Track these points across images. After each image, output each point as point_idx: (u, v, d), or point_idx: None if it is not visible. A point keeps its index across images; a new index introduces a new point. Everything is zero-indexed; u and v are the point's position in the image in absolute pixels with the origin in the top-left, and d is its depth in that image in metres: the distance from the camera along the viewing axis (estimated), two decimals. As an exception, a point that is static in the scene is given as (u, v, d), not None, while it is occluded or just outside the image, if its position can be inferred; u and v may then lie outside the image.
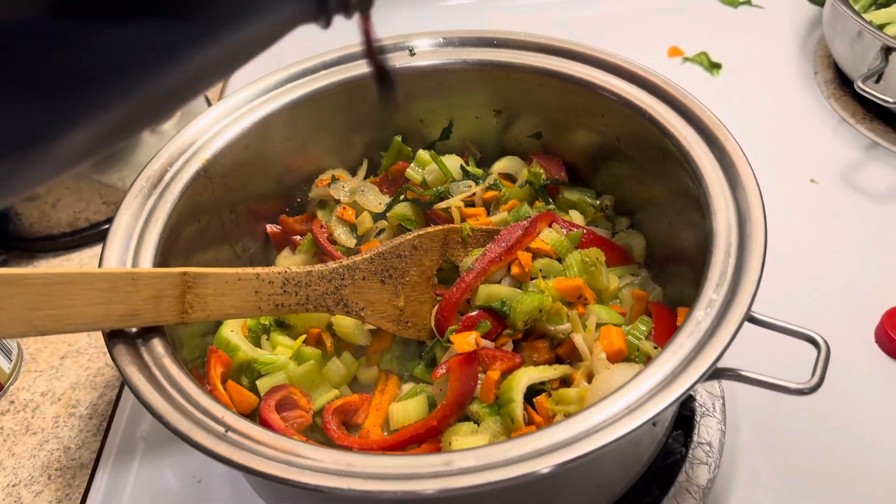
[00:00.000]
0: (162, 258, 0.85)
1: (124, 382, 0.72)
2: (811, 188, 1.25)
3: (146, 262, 0.83)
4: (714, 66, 1.51)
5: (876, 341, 1.03)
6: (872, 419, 0.96)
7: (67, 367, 1.13)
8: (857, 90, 1.18)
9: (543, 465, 0.61)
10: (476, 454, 0.63)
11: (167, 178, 0.91)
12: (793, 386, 0.70)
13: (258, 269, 0.80)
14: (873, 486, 0.91)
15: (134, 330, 0.75)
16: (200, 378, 0.90)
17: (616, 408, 0.64)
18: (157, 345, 0.75)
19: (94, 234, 1.30)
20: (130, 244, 0.84)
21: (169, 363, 0.74)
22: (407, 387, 0.94)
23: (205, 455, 0.65)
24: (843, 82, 1.43)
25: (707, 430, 0.93)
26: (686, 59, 1.54)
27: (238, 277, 0.79)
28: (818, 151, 1.32)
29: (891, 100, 1.15)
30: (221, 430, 0.67)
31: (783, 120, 1.39)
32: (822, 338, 0.73)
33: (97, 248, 1.29)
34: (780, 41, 1.57)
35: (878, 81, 1.25)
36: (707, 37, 1.57)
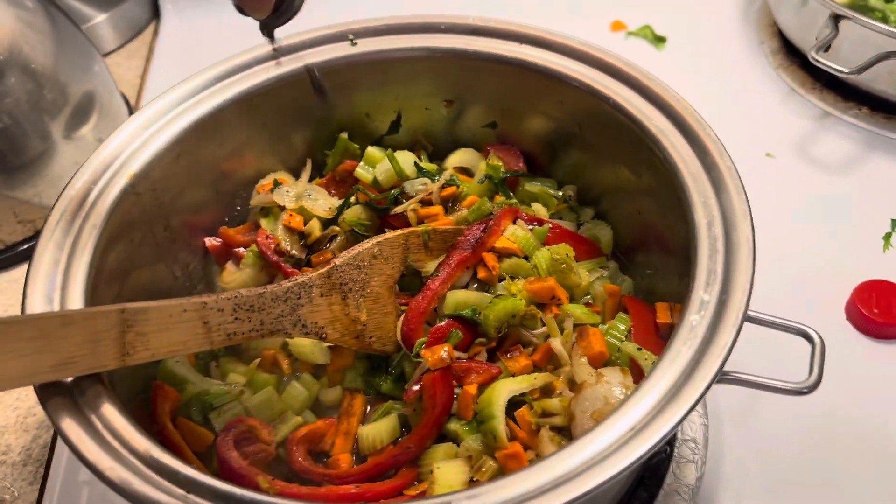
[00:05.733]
0: (93, 288, 0.76)
1: (65, 444, 0.63)
2: (768, 163, 1.23)
3: (76, 296, 0.73)
4: (659, 40, 1.47)
5: (847, 318, 1.02)
6: (854, 400, 0.95)
7: (-8, 408, 1.02)
8: (812, 62, 1.15)
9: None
10: (469, 498, 0.57)
11: (91, 197, 0.81)
12: (790, 386, 0.67)
13: (205, 297, 0.72)
14: (864, 470, 0.89)
15: (69, 379, 0.66)
16: (146, 416, 0.82)
17: (619, 430, 0.60)
18: (96, 392, 0.66)
19: (11, 256, 1.18)
20: (56, 277, 0.74)
21: (111, 413, 0.65)
22: (374, 405, 0.87)
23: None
24: (789, 51, 1.41)
25: (690, 425, 0.90)
26: (630, 34, 1.50)
27: (183, 309, 0.70)
28: (771, 124, 1.29)
29: (846, 70, 1.13)
30: (181, 492, 0.59)
31: (733, 93, 1.36)
32: (816, 332, 0.70)
33: (15, 272, 1.17)
34: (723, 10, 1.54)
35: (826, 50, 1.23)
36: (649, 8, 1.53)
